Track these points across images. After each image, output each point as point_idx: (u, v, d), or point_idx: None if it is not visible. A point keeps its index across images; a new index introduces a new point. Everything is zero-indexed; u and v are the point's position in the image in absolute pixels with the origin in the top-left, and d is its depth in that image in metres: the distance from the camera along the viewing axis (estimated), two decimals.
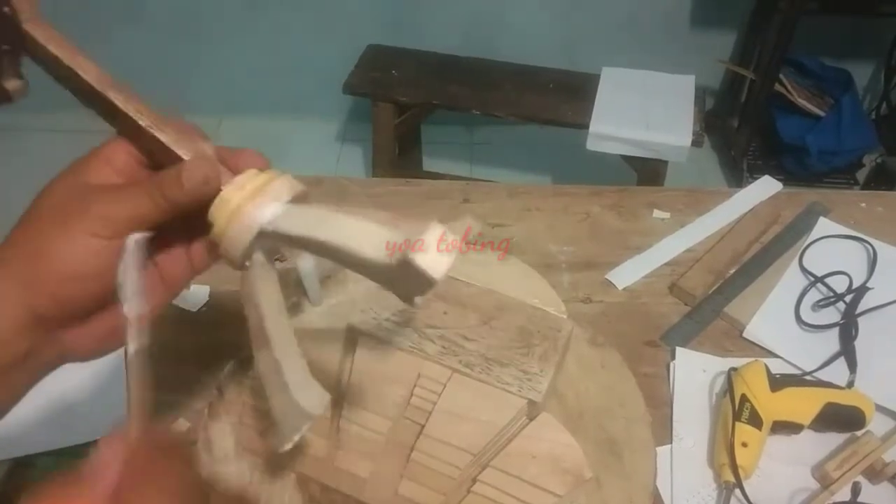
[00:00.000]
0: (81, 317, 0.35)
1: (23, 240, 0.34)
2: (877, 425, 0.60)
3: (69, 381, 0.65)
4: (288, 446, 0.41)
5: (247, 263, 0.37)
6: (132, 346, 0.35)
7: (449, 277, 0.67)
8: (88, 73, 0.38)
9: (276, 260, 0.40)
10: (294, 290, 0.70)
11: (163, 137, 0.36)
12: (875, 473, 0.57)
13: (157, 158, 0.37)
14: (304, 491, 0.56)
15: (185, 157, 0.35)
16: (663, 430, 0.61)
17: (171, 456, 0.33)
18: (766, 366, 0.61)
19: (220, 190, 0.35)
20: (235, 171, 0.36)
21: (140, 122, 0.36)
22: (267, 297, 0.39)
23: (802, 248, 0.77)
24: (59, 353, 0.35)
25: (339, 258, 0.35)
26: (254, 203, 0.35)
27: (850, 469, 0.56)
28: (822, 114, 1.90)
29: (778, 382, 0.60)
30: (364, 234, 0.34)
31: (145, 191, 0.34)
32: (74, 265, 0.33)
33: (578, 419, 0.59)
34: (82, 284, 0.33)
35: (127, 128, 0.37)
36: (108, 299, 0.35)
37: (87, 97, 0.38)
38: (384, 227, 0.34)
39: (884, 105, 2.08)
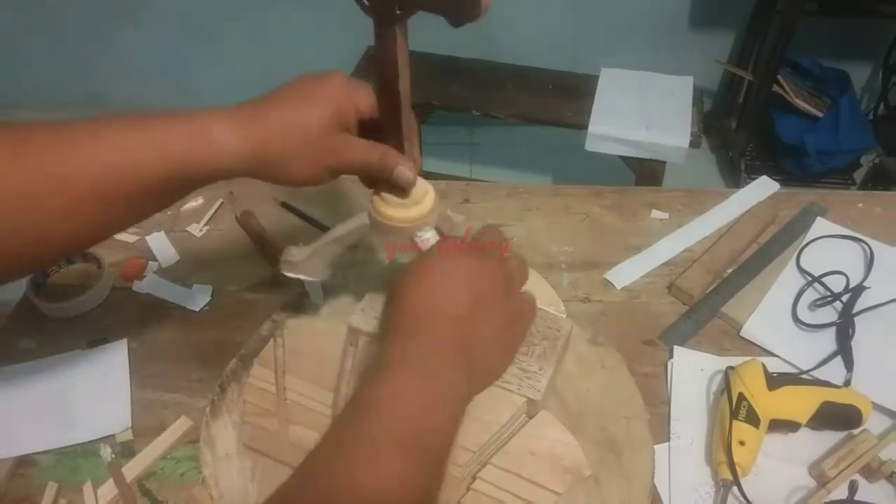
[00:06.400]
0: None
1: (263, 112, 0.46)
2: (873, 424, 0.60)
3: (69, 381, 0.65)
4: None
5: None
6: None
7: None
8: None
9: None
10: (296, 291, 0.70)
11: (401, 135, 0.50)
12: (872, 472, 0.57)
13: (384, 128, 0.49)
14: None
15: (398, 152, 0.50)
16: (661, 429, 0.61)
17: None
18: (763, 365, 0.62)
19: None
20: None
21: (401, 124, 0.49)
22: None
23: (800, 247, 0.77)
24: (265, 178, 0.47)
25: None
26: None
27: (846, 467, 0.56)
28: (819, 114, 1.91)
29: (775, 381, 0.60)
30: None
31: (371, 159, 0.48)
32: (301, 169, 0.47)
33: (578, 418, 0.60)
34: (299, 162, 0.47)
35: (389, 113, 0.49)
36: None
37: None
38: None
39: (881, 106, 2.09)
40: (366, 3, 0.43)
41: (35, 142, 0.41)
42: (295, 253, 0.58)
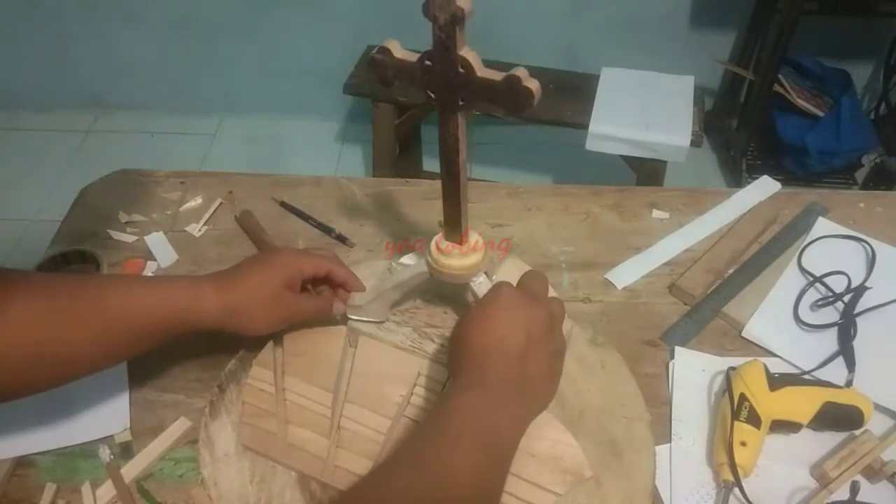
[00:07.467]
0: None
1: (234, 280, 0.59)
2: (875, 424, 0.60)
3: None
4: None
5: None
6: None
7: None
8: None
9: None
10: None
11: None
12: (873, 472, 0.57)
13: (444, 193, 0.59)
14: (304, 489, 0.56)
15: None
16: (663, 430, 0.61)
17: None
18: (764, 365, 0.62)
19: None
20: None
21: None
22: None
23: (801, 247, 0.77)
24: (236, 329, 0.59)
25: None
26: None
27: (848, 468, 0.56)
28: (821, 114, 1.90)
29: (777, 382, 0.60)
30: None
31: (311, 307, 0.62)
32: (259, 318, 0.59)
33: (578, 418, 0.59)
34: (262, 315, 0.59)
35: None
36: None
37: None
38: None
39: (882, 105, 2.08)
40: (431, 94, 0.48)
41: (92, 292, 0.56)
42: (359, 297, 0.64)
